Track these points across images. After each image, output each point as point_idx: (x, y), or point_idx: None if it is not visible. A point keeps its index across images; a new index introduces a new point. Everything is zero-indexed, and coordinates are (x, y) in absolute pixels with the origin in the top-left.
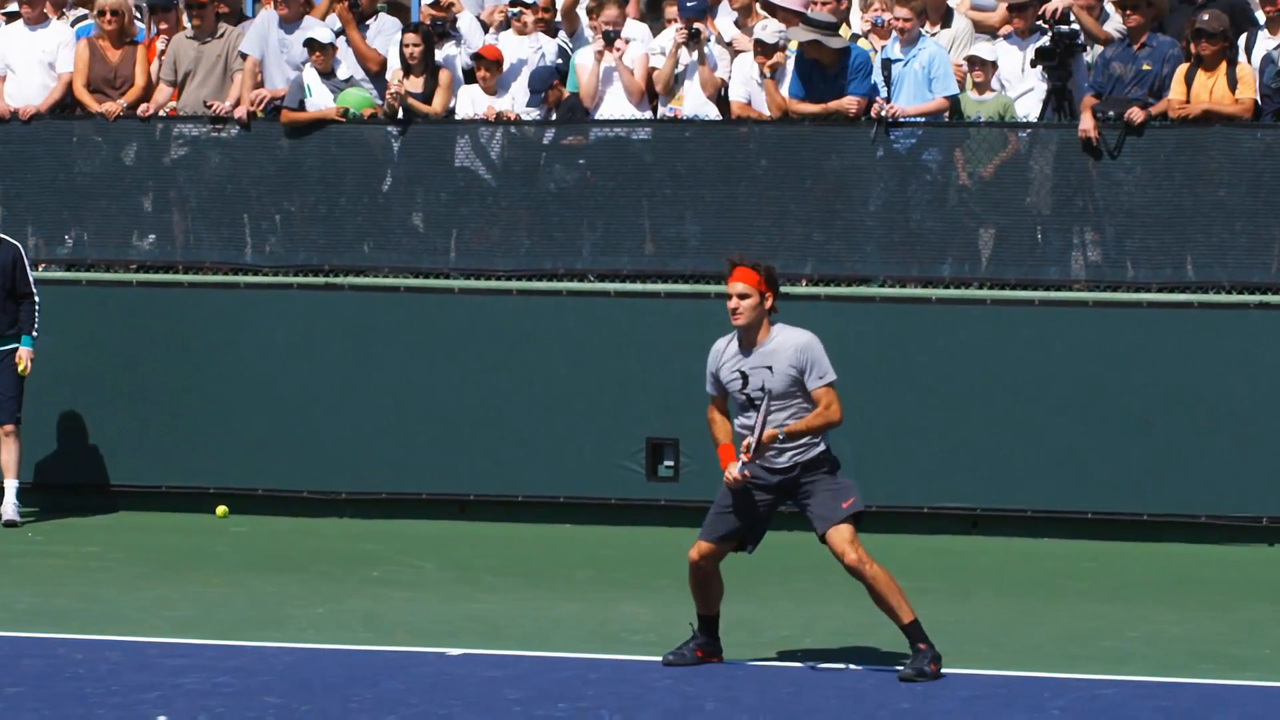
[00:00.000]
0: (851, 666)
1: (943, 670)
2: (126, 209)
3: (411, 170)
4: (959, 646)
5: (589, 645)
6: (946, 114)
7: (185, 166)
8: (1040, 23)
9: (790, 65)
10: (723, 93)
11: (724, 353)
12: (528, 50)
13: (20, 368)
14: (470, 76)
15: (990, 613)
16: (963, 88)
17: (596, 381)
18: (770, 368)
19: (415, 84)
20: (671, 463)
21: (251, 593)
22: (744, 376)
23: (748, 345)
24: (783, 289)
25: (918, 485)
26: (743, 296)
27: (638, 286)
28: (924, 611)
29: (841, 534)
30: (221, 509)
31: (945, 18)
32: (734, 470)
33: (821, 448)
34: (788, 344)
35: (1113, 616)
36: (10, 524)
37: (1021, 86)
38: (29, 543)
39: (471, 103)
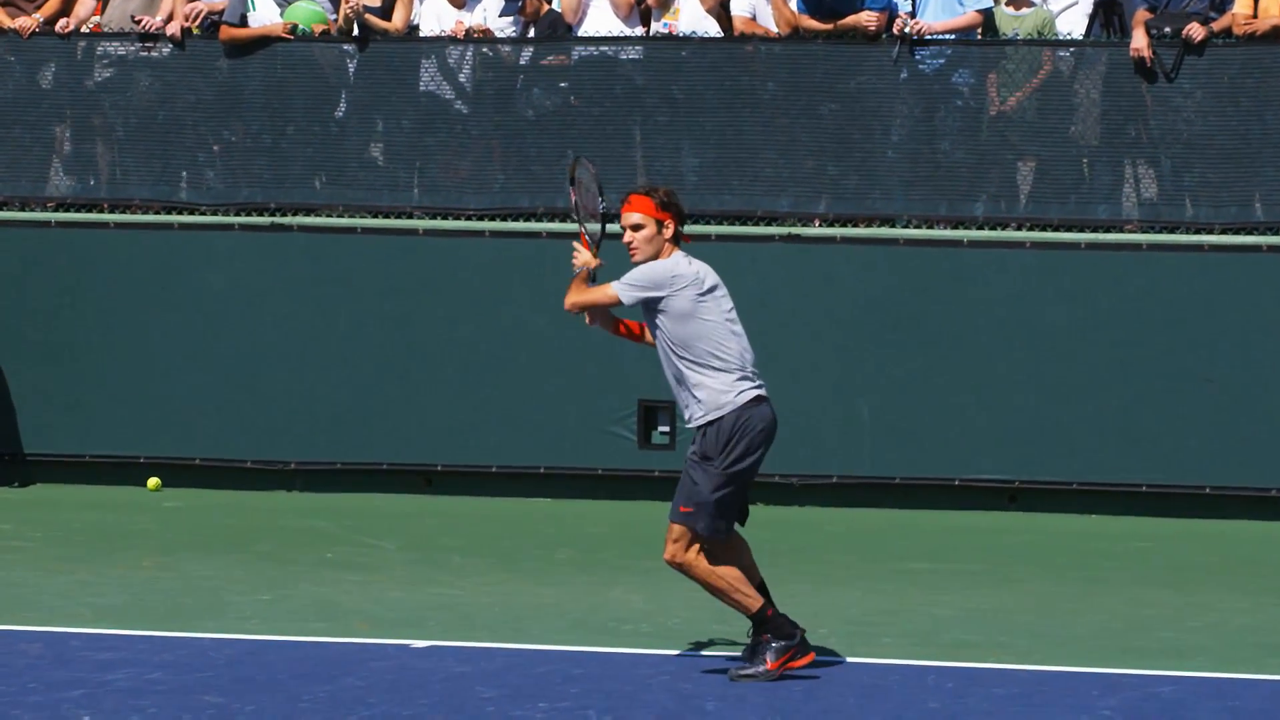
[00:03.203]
0: (871, 661)
1: (792, 664)
2: (43, 139)
3: (369, 95)
4: (994, 637)
5: (572, 636)
6: (979, 30)
7: (111, 91)
8: None
9: None
10: (724, 6)
11: None
12: None
13: None
14: None
15: (1030, 599)
16: (997, 1)
17: (581, 336)
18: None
19: None
20: (667, 428)
21: (187, 577)
22: None
23: None
24: (795, 230)
25: (947, 454)
26: (636, 228)
27: None
28: (954, 598)
29: (672, 529)
30: (153, 481)
31: None
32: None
33: (709, 418)
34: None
35: (1170, 604)
36: None
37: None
38: None
39: (437, 18)
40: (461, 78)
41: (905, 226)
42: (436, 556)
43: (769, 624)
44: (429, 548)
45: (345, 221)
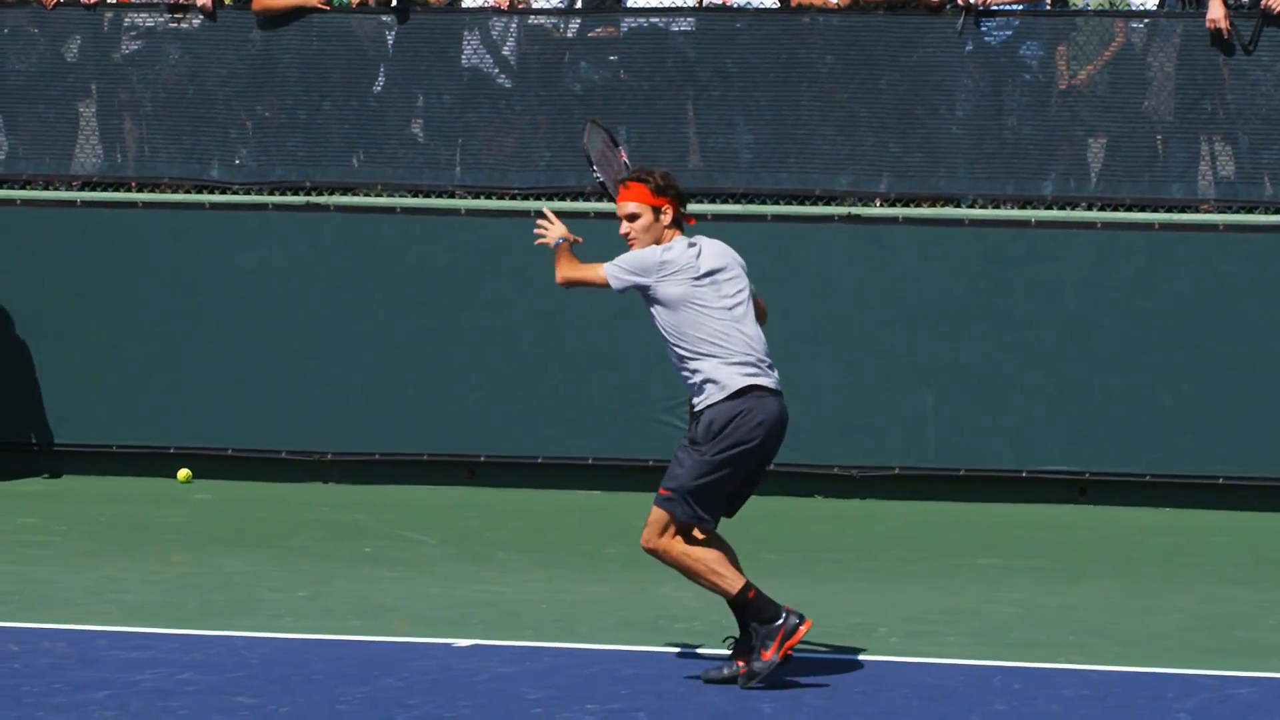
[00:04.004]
0: (934, 661)
1: (788, 643)
2: (68, 115)
3: (409, 69)
4: (1063, 636)
5: (622, 635)
6: (1048, 1)
7: (139, 64)
8: None
9: None
10: None
11: None
12: None
13: None
14: None
15: (1102, 596)
16: None
17: (631, 321)
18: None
19: None
20: None
21: (219, 572)
22: None
23: None
24: (854, 210)
25: (1014, 445)
26: (632, 217)
27: None
28: (1021, 595)
29: (650, 513)
30: (183, 473)
31: None
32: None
33: (705, 404)
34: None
35: (1249, 601)
36: None
37: None
38: None
39: None
40: (506, 50)
41: (970, 206)
42: (479, 551)
43: (750, 607)
44: (471, 542)
45: (384, 201)
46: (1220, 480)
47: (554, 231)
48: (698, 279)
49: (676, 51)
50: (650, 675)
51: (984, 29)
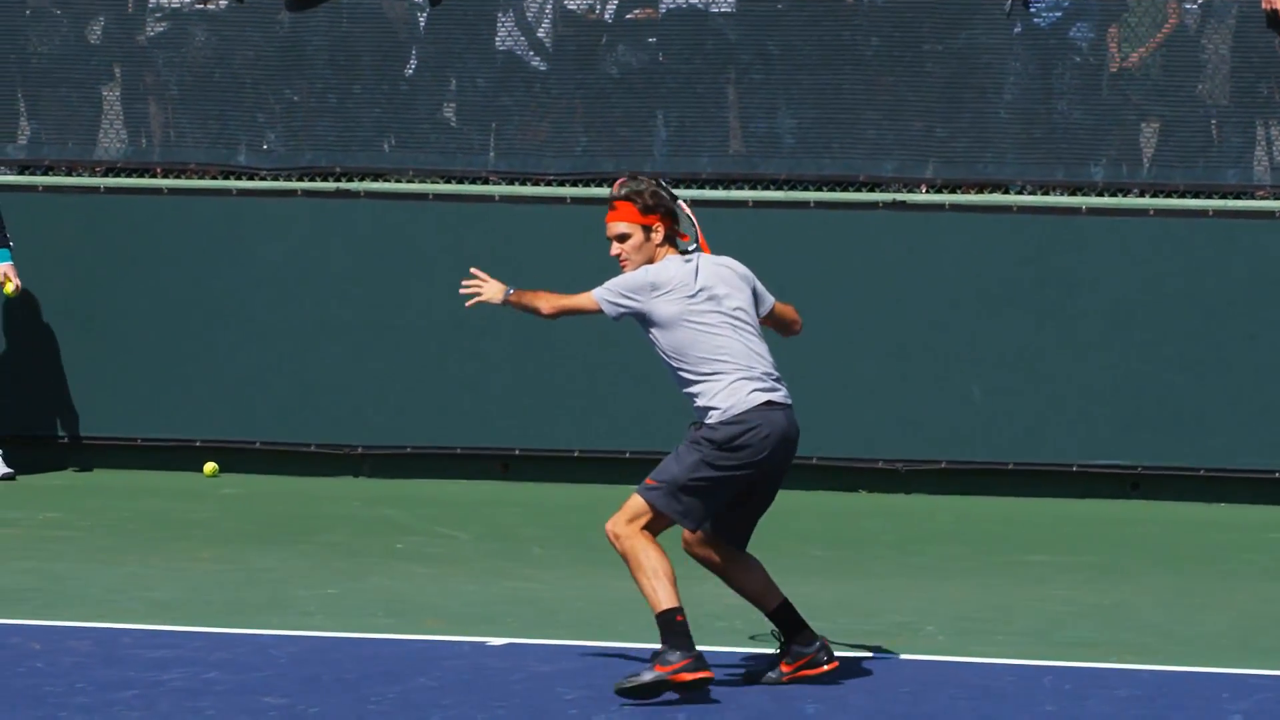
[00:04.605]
0: (983, 660)
1: (678, 677)
2: (92, 99)
3: (442, 51)
4: (1116, 635)
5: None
6: None
7: (164, 47)
8: None
9: None
10: None
11: None
12: None
13: (10, 288)
14: None
15: (1155, 594)
16: None
17: None
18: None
19: None
20: None
21: (247, 569)
22: None
23: None
24: (900, 197)
25: (1065, 438)
26: (622, 238)
27: (720, 194)
28: (1072, 592)
29: (628, 500)
30: (210, 466)
31: None
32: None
33: (717, 420)
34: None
35: None
36: (7, 477)
37: None
38: None
39: None
40: (541, 32)
41: (1019, 193)
42: (514, 547)
43: (669, 630)
44: (506, 538)
45: (416, 187)
46: (1277, 474)
47: (489, 288)
48: (693, 296)
49: (717, 33)
50: None
51: (1033, 10)
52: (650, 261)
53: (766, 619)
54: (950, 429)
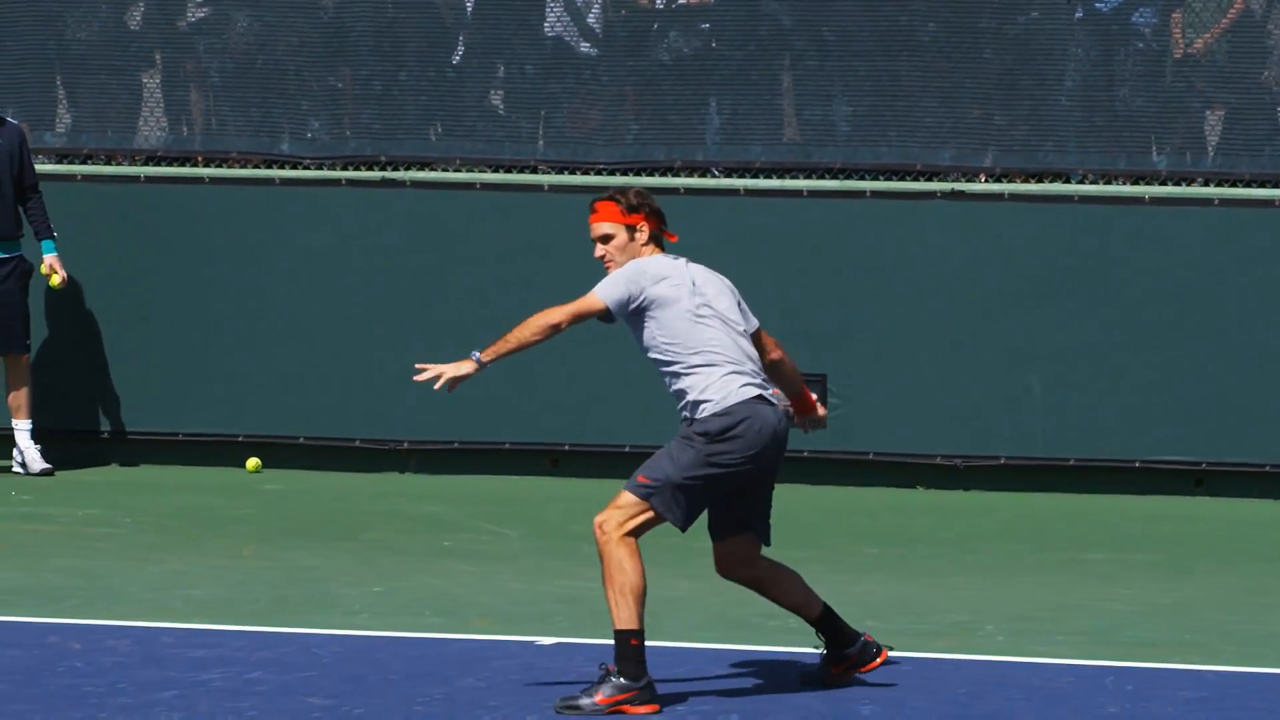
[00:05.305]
0: (1042, 661)
1: (625, 708)
2: (131, 86)
3: (489, 37)
4: (1178, 635)
5: (712, 633)
6: None
7: (205, 33)
8: None
9: None
10: None
11: None
12: None
13: (55, 280)
14: None
15: (1219, 592)
16: None
17: None
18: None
19: None
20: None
21: (290, 567)
22: None
23: None
24: (958, 186)
25: (1127, 434)
26: (605, 239)
27: (774, 183)
28: (1134, 591)
29: (620, 495)
30: (252, 462)
31: None
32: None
33: (708, 411)
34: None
35: None
36: (46, 472)
37: None
38: (10, 503)
39: None
40: (591, 18)
41: (1080, 182)
42: (564, 545)
43: (624, 653)
44: (555, 535)
45: (463, 176)
46: None
47: (444, 368)
48: (689, 288)
49: (771, 19)
50: (743, 675)
51: None
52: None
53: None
54: (1009, 424)
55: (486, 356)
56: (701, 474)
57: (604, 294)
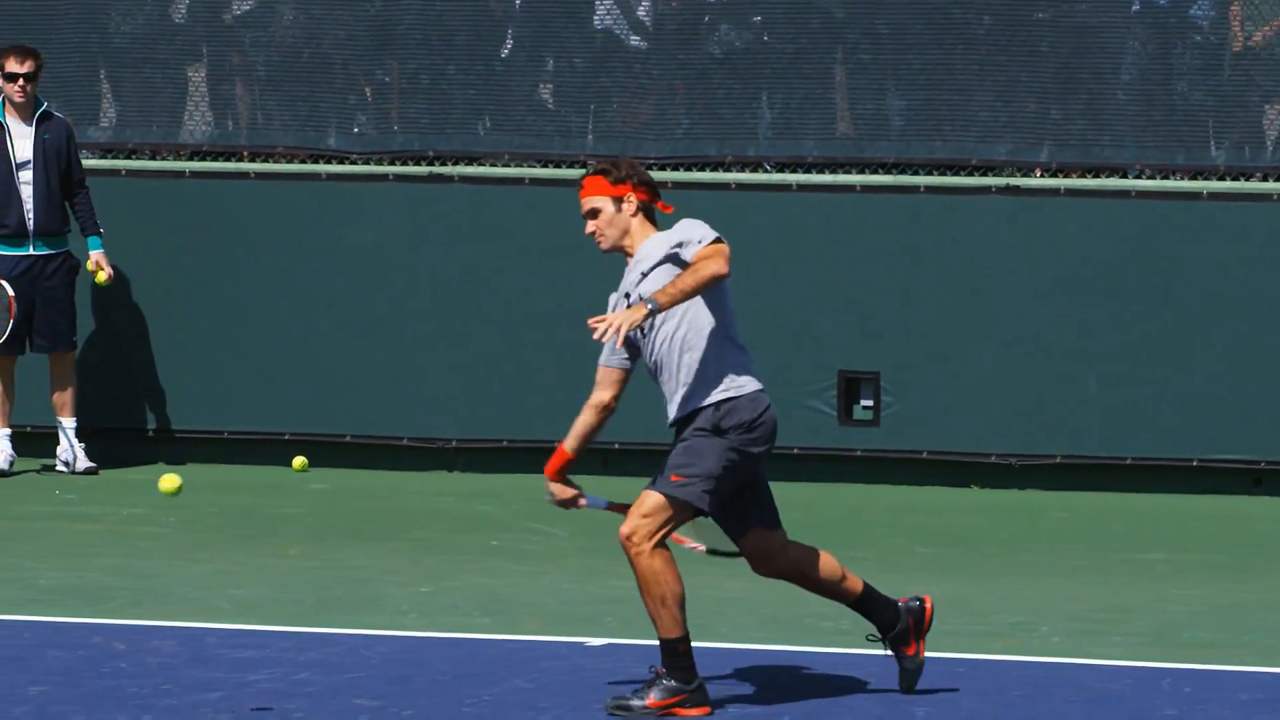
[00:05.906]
0: (1099, 662)
1: (677, 710)
2: (176, 80)
3: (538, 30)
4: (1237, 636)
5: (765, 634)
6: None
7: (251, 26)
8: None
9: None
10: None
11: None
12: None
13: (101, 277)
14: None
15: (1278, 593)
16: None
17: (775, 299)
18: (645, 273)
19: None
20: (871, 402)
21: (337, 566)
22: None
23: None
24: (1013, 181)
25: (1186, 433)
26: (593, 213)
27: (827, 178)
28: (1193, 592)
29: (646, 500)
30: (299, 461)
31: None
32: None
33: (724, 395)
34: (662, 237)
35: None
36: (90, 471)
37: None
38: (56, 502)
39: None
40: (641, 11)
41: (1137, 177)
42: (613, 545)
43: (672, 659)
44: (605, 535)
45: (511, 171)
46: None
47: (618, 316)
48: None
49: (823, 12)
50: (794, 677)
51: None
52: (626, 234)
53: (866, 620)
54: (1065, 422)
55: (664, 299)
56: (731, 460)
57: (723, 238)
